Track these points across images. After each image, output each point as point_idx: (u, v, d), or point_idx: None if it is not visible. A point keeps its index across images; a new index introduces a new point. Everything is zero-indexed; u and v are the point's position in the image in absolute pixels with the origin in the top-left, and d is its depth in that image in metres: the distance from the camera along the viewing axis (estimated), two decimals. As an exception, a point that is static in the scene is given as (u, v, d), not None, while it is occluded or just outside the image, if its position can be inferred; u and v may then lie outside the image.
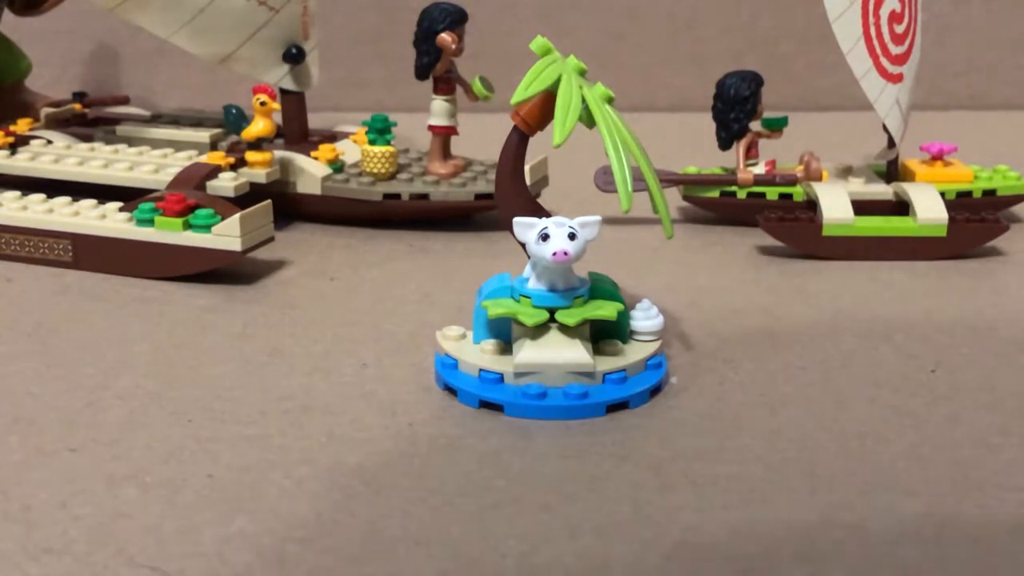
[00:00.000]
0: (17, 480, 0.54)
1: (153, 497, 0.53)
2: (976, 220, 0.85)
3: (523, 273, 0.64)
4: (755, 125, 0.92)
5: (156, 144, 0.97)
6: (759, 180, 0.90)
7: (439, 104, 0.92)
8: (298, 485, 0.54)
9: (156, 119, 1.07)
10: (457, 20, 0.89)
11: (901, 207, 0.88)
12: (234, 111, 0.89)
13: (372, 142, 0.90)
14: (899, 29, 0.87)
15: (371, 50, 1.40)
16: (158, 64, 1.38)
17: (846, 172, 0.94)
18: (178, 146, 0.96)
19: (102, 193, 0.86)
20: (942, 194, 0.87)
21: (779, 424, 0.60)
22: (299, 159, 0.92)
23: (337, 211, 0.92)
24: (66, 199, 0.84)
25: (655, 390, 0.63)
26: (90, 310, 0.75)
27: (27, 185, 0.92)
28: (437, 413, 0.61)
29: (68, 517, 0.51)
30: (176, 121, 1.06)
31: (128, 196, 0.84)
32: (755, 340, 0.71)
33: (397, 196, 0.90)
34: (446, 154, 0.93)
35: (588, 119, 0.62)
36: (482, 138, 0.91)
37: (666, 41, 1.41)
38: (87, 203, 0.83)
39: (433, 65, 0.90)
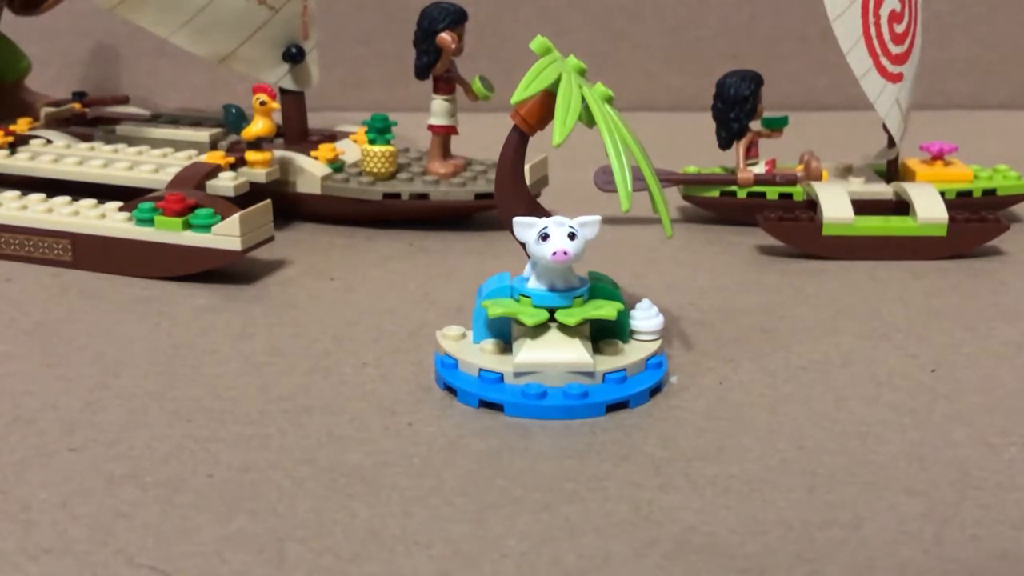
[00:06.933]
0: (17, 480, 0.54)
1: (153, 497, 0.53)
2: (976, 220, 0.85)
3: (523, 273, 0.64)
4: (755, 125, 0.91)
5: (156, 144, 0.97)
6: (759, 180, 0.90)
7: (439, 104, 0.91)
8: (298, 485, 0.54)
9: (156, 119, 1.07)
10: (457, 20, 0.89)
11: (901, 207, 0.88)
12: (234, 111, 0.89)
13: (372, 142, 0.90)
14: (899, 28, 0.87)
15: (371, 50, 1.40)
16: (158, 64, 1.38)
17: (846, 172, 0.94)
18: (178, 146, 0.96)
19: (102, 193, 0.86)
20: (942, 194, 0.87)
21: (779, 424, 0.60)
22: (299, 159, 0.92)
23: (337, 211, 0.92)
24: (66, 199, 0.84)
25: (655, 390, 0.63)
26: (90, 310, 0.75)
27: (27, 184, 0.92)
28: (437, 413, 0.61)
29: (68, 517, 0.51)
30: (176, 121, 1.06)
31: (128, 196, 0.84)
32: (755, 340, 0.71)
33: (397, 196, 0.90)
34: (446, 154, 0.93)
35: (588, 118, 0.62)
36: (482, 138, 0.91)
37: (666, 41, 1.41)
38: (87, 203, 0.83)
39: (433, 65, 0.90)
